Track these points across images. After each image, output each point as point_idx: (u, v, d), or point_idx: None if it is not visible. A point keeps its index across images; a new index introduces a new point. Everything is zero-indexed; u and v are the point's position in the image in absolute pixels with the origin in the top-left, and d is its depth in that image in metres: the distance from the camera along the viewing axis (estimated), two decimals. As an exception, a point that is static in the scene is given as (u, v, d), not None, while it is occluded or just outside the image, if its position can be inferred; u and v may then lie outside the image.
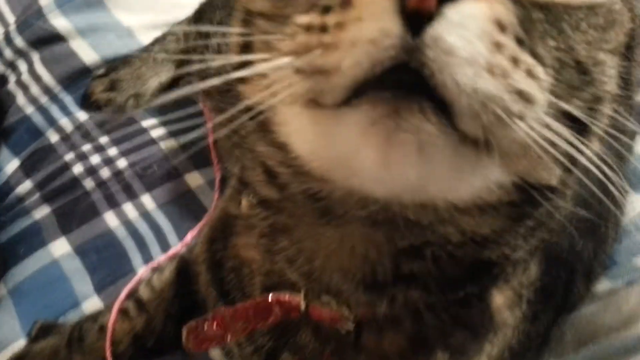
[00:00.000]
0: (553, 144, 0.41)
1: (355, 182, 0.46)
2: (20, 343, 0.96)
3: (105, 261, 1.04)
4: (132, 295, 0.95)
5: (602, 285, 0.90)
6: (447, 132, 0.40)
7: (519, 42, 0.40)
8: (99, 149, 1.17)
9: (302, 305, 0.61)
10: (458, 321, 0.61)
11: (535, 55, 0.41)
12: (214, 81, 0.44)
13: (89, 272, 1.03)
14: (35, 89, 1.26)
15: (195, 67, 0.50)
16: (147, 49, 1.29)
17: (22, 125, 1.23)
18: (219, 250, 0.75)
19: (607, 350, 0.84)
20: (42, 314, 0.99)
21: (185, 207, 1.11)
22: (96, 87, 1.24)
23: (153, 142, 1.18)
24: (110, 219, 1.09)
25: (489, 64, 0.38)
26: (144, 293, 0.94)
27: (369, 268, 0.55)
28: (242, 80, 0.48)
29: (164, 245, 1.07)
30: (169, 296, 0.92)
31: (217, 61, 0.48)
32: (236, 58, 0.47)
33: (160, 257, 1.04)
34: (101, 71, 1.27)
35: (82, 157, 1.16)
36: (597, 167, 0.44)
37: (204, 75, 0.47)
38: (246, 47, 0.49)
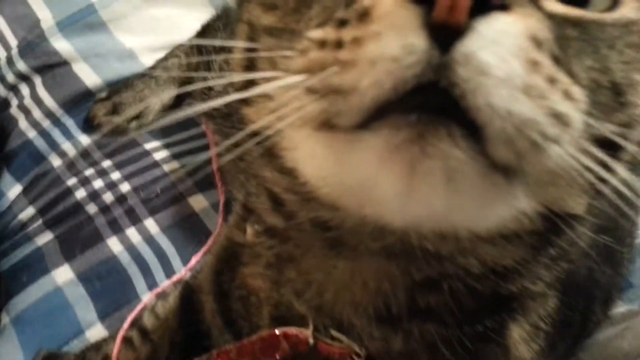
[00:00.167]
0: (587, 170, 0.39)
1: (371, 210, 0.43)
2: (23, 374, 0.94)
3: (109, 288, 1.03)
4: (136, 323, 0.94)
5: (618, 308, 0.89)
6: (477, 158, 0.37)
7: (555, 60, 0.37)
8: (102, 172, 1.15)
9: (311, 341, 0.58)
10: (475, 356, 0.59)
11: (571, 74, 0.39)
12: (215, 103, 0.42)
13: (93, 300, 1.01)
14: (37, 113, 1.25)
15: (195, 87, 0.48)
16: (149, 71, 1.28)
17: (25, 149, 1.22)
18: (225, 281, 0.72)
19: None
20: (45, 343, 0.97)
21: (189, 230, 1.10)
22: (99, 110, 1.23)
23: (156, 164, 1.17)
24: (114, 244, 1.07)
25: (525, 84, 0.35)
26: (148, 321, 0.92)
27: (383, 301, 0.52)
28: (245, 102, 0.46)
29: (168, 270, 1.05)
30: (173, 325, 0.90)
31: (218, 80, 0.46)
32: (239, 77, 0.44)
33: (164, 283, 1.03)
34: (103, 94, 1.26)
35: (85, 181, 1.14)
36: (624, 194, 0.42)
37: (204, 96, 0.45)
38: (250, 66, 0.47)
